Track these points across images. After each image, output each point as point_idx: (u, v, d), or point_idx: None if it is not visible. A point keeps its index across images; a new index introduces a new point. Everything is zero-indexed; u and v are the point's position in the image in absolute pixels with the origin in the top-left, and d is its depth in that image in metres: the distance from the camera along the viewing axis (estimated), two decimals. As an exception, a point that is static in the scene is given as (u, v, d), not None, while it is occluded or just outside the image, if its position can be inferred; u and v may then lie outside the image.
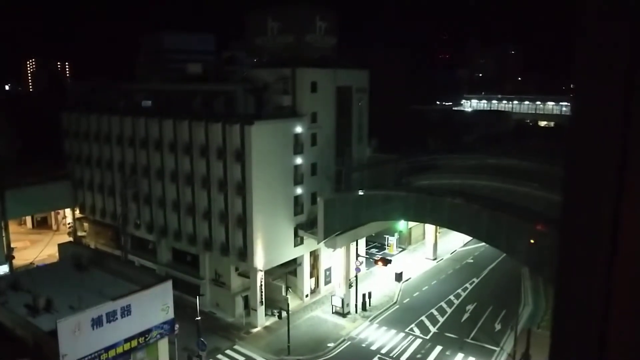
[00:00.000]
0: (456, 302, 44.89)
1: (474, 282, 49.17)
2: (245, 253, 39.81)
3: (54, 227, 63.39)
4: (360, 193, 41.11)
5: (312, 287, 45.61)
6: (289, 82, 42.23)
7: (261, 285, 39.84)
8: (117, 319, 28.25)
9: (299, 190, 42.42)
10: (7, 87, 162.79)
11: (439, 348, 37.13)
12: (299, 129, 41.67)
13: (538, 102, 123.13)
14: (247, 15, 47.64)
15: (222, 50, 72.33)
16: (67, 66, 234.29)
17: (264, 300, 40.31)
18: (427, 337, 38.72)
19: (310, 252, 44.61)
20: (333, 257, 43.90)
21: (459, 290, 47.08)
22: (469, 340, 38.24)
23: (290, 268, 44.02)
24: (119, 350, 28.56)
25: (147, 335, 29.98)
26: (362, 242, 47.76)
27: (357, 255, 44.21)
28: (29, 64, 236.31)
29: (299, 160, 42.05)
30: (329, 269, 46.23)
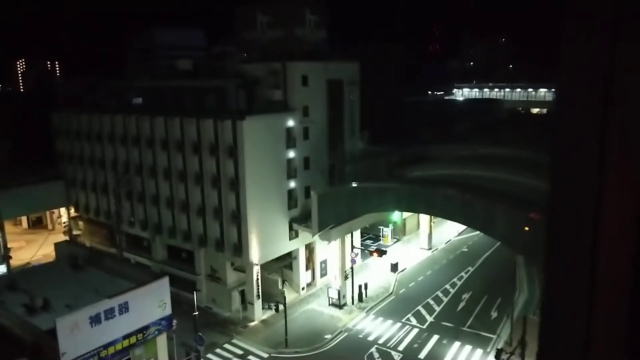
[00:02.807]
0: (452, 291, 45.31)
1: (469, 270, 49.61)
2: (240, 248, 39.96)
3: (50, 226, 63.20)
4: (354, 185, 41.31)
5: (308, 280, 45.87)
6: (279, 76, 42.20)
7: (257, 279, 40.05)
8: (115, 316, 28.41)
9: (292, 184, 42.53)
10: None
11: (435, 337, 37.54)
12: (291, 123, 41.71)
13: (530, 90, 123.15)
14: (236, 10, 47.47)
15: (212, 46, 72.05)
16: (57, 65, 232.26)
17: (260, 294, 40.54)
18: (424, 327, 39.12)
19: (306, 245, 44.82)
20: (328, 250, 44.14)
21: (455, 280, 47.50)
22: (465, 329, 38.68)
23: (286, 262, 44.23)
24: (118, 347, 28.74)
25: (145, 332, 30.16)
26: (356, 234, 48.04)
27: (352, 247, 44.49)
28: (18, 64, 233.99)
29: (291, 154, 42.12)
30: (324, 262, 46.49)
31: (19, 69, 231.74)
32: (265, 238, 40.31)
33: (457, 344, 36.65)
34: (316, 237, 41.50)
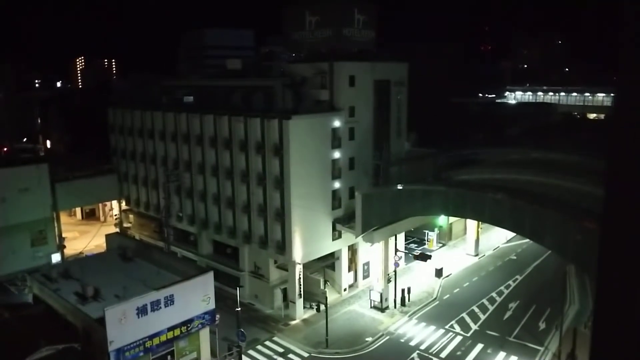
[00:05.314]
0: (498, 299, 43.79)
1: (517, 279, 47.79)
2: (283, 246, 40.19)
3: (102, 218, 65.97)
4: (399, 187, 40.61)
5: (350, 282, 45.54)
6: (326, 76, 42.14)
7: (299, 278, 40.14)
8: (160, 308, 29.15)
9: (336, 185, 42.35)
10: (58, 84, 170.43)
11: (480, 346, 36.37)
12: (336, 123, 41.56)
13: (587, 94, 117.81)
14: (285, 10, 47.77)
15: (260, 46, 73.05)
16: (113, 63, 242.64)
17: (302, 293, 40.60)
18: (468, 335, 37.99)
19: (349, 247, 44.53)
20: (371, 252, 43.64)
21: (502, 288, 45.88)
22: (511, 339, 37.26)
23: (328, 262, 44.10)
24: (163, 338, 29.49)
25: (189, 325, 30.80)
26: (401, 237, 47.18)
27: (396, 250, 43.80)
28: (78, 61, 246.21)
29: (336, 155, 41.96)
30: (367, 264, 46.01)
31: (78, 66, 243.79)
32: (309, 237, 40.34)
33: (502, 354, 35.35)
34: (359, 238, 41.15)
